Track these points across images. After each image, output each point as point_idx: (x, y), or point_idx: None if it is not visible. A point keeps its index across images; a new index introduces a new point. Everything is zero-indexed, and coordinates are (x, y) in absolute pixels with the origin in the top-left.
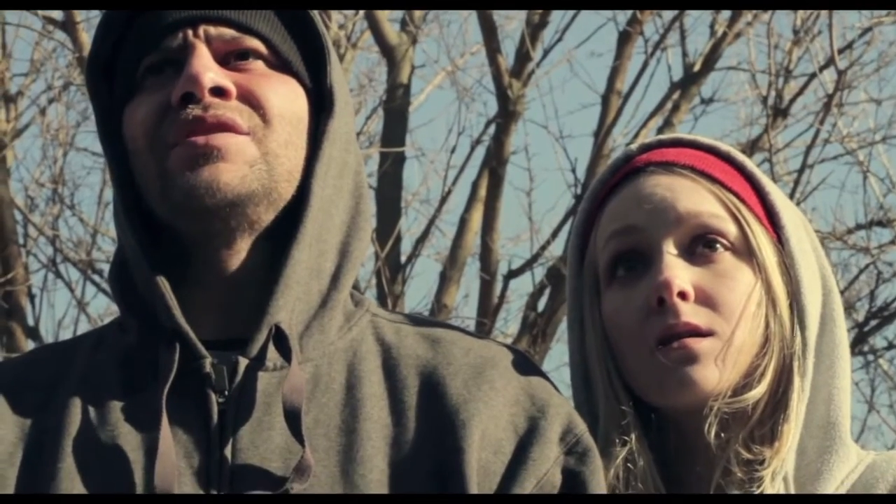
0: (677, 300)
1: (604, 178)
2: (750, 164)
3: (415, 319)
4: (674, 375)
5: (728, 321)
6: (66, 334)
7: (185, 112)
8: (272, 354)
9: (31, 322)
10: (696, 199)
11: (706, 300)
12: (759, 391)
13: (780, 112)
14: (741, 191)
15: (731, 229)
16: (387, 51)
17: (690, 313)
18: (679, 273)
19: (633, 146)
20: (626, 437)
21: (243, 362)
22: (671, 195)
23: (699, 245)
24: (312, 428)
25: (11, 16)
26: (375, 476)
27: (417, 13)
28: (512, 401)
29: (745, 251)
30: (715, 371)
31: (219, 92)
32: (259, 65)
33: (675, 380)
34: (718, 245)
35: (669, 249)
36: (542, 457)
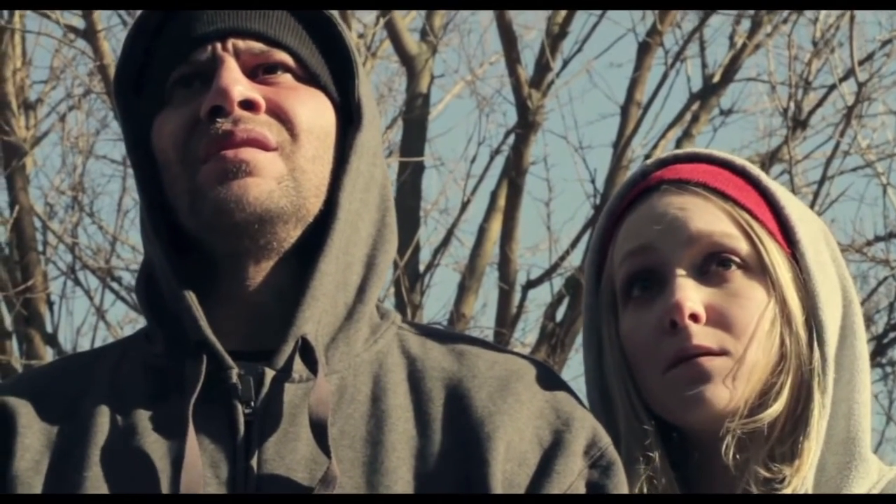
0: (689, 322)
1: (620, 195)
2: (765, 178)
3: (440, 332)
4: (686, 394)
5: (741, 341)
6: (84, 342)
7: (214, 126)
8: (298, 366)
9: (49, 329)
10: (708, 218)
11: (719, 321)
12: (776, 410)
13: (799, 124)
14: (754, 207)
15: (743, 247)
16: (406, 60)
17: (702, 335)
18: (690, 295)
19: (650, 161)
20: (648, 456)
21: (270, 374)
22: (683, 215)
23: (712, 264)
24: (338, 439)
25: (32, 23)
26: (400, 487)
27: (437, 22)
28: (537, 413)
29: (759, 269)
30: (726, 390)
31: (248, 105)
32: (287, 78)
33: (687, 398)
34: (731, 264)
35: (682, 270)
36: (566, 470)
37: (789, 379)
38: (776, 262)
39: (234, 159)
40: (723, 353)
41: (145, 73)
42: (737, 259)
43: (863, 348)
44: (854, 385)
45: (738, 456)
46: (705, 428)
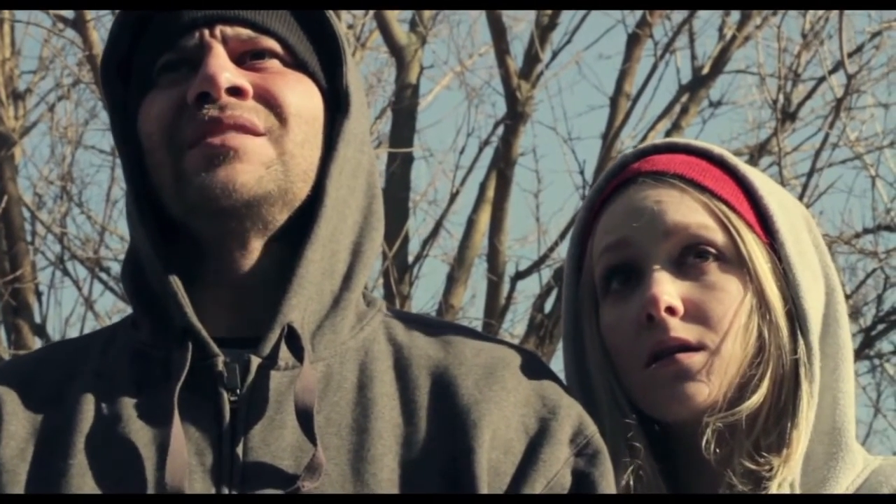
0: (665, 315)
1: (599, 187)
2: (743, 167)
3: (426, 320)
4: (667, 391)
5: (717, 334)
6: (73, 332)
7: (201, 112)
8: (284, 354)
9: (38, 319)
10: (684, 210)
11: (696, 314)
12: (754, 402)
13: (788, 116)
14: (731, 197)
15: (720, 239)
16: (396, 51)
17: (680, 328)
18: (667, 288)
19: (629, 152)
20: (633, 448)
21: (255, 361)
22: (659, 208)
23: (689, 256)
24: (324, 427)
25: (21, 13)
26: (386, 475)
27: (427, 13)
28: (523, 401)
29: (737, 260)
30: (704, 385)
31: (235, 92)
32: (275, 63)
33: (668, 395)
34: (709, 255)
35: (659, 263)
36: (552, 458)
37: (769, 370)
38: (753, 252)
39: (221, 145)
40: (700, 346)
41: (132, 60)
42: (713, 251)
43: (846, 337)
44: (839, 374)
45: (718, 450)
46: (688, 423)
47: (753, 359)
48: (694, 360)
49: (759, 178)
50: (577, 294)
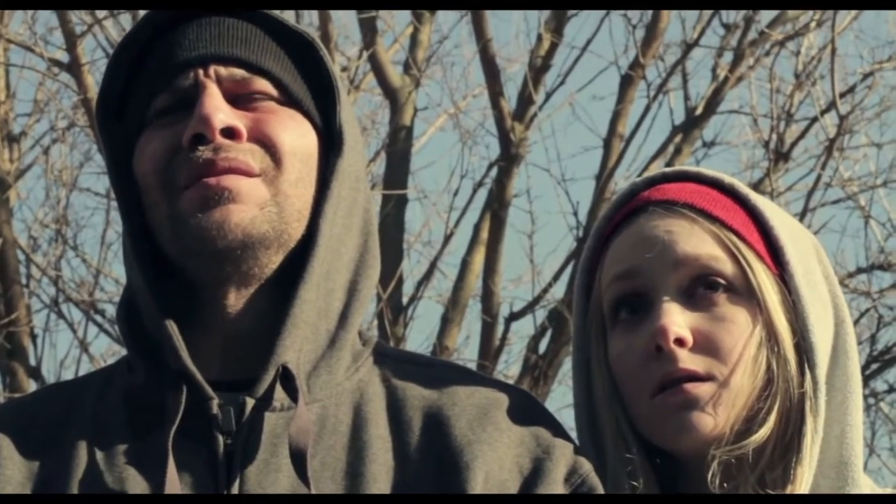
0: (674, 347)
1: (608, 215)
2: (754, 196)
3: (421, 359)
4: (673, 420)
5: (726, 365)
6: (67, 374)
7: (195, 154)
8: (279, 395)
9: (33, 362)
10: (694, 241)
11: (705, 345)
12: (761, 435)
13: (781, 156)
14: (741, 228)
15: (730, 269)
16: (389, 93)
17: (688, 360)
18: (676, 319)
19: (639, 180)
20: (634, 483)
21: (250, 403)
22: (669, 238)
23: (699, 287)
24: (319, 471)
25: (16, 56)
26: None
27: (420, 55)
28: (517, 442)
29: (746, 291)
30: (711, 416)
31: (230, 133)
32: (269, 102)
33: (675, 424)
34: (718, 287)
35: (668, 294)
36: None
37: (777, 403)
38: (763, 284)
39: (215, 186)
40: (709, 377)
41: (127, 100)
42: (723, 282)
43: (855, 369)
44: (846, 407)
45: (725, 484)
46: (692, 454)
47: (762, 392)
48: (701, 390)
49: (770, 208)
50: (586, 323)
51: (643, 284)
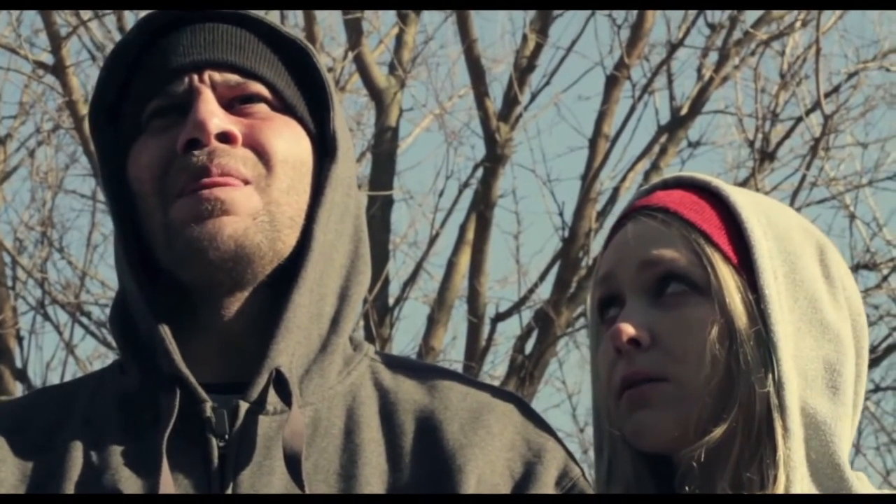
0: (630, 348)
1: (614, 223)
2: (735, 196)
3: (412, 364)
4: (630, 421)
5: (684, 365)
6: (54, 377)
7: (190, 159)
8: (272, 398)
9: (19, 364)
10: (662, 243)
11: (663, 345)
12: (717, 435)
13: (766, 156)
14: (710, 229)
15: (694, 271)
16: (375, 94)
17: (643, 361)
18: (634, 319)
19: (642, 188)
20: (630, 481)
21: (244, 406)
22: (636, 242)
23: (665, 288)
24: (312, 473)
25: (1, 59)
26: None
27: (406, 56)
28: (508, 445)
29: (710, 292)
30: (667, 417)
31: (224, 138)
32: (263, 108)
33: (632, 425)
34: (683, 288)
35: (635, 295)
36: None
37: (736, 402)
38: (725, 283)
39: (208, 197)
40: (663, 378)
41: (121, 105)
42: (686, 283)
43: (862, 369)
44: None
45: (693, 486)
46: (659, 454)
47: (721, 391)
48: (656, 390)
49: (753, 207)
50: (593, 327)
51: (617, 287)
